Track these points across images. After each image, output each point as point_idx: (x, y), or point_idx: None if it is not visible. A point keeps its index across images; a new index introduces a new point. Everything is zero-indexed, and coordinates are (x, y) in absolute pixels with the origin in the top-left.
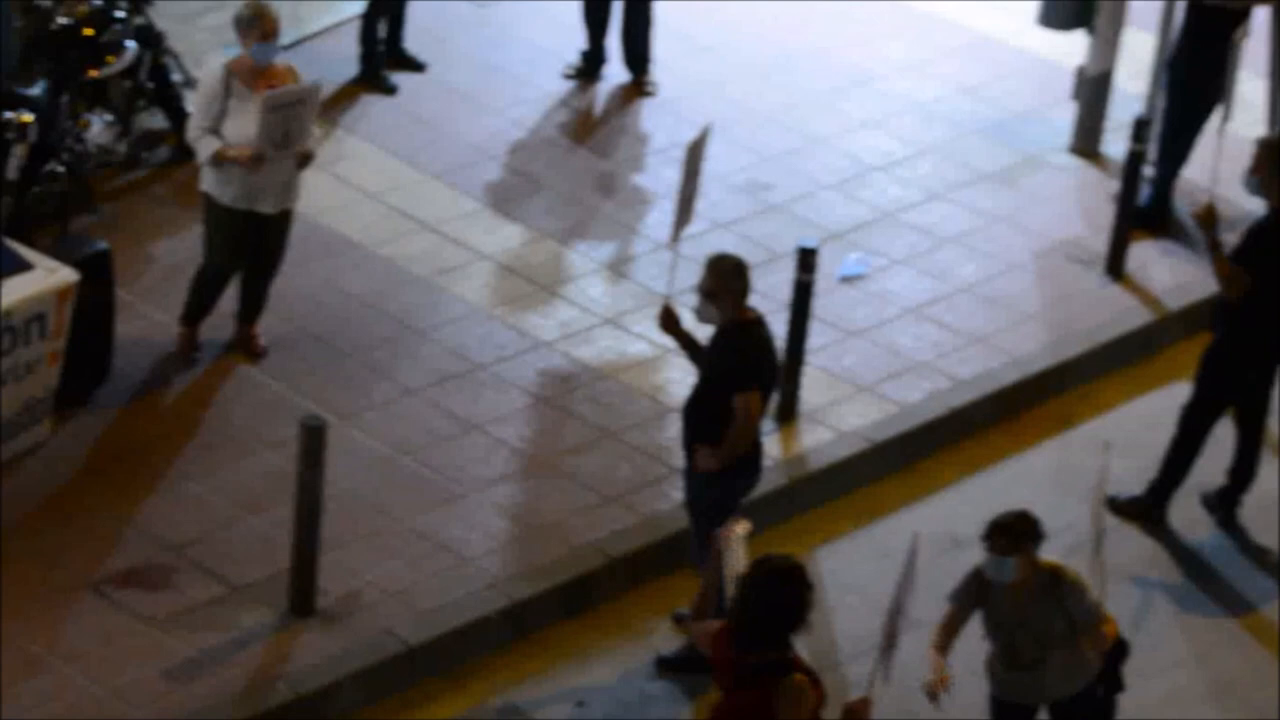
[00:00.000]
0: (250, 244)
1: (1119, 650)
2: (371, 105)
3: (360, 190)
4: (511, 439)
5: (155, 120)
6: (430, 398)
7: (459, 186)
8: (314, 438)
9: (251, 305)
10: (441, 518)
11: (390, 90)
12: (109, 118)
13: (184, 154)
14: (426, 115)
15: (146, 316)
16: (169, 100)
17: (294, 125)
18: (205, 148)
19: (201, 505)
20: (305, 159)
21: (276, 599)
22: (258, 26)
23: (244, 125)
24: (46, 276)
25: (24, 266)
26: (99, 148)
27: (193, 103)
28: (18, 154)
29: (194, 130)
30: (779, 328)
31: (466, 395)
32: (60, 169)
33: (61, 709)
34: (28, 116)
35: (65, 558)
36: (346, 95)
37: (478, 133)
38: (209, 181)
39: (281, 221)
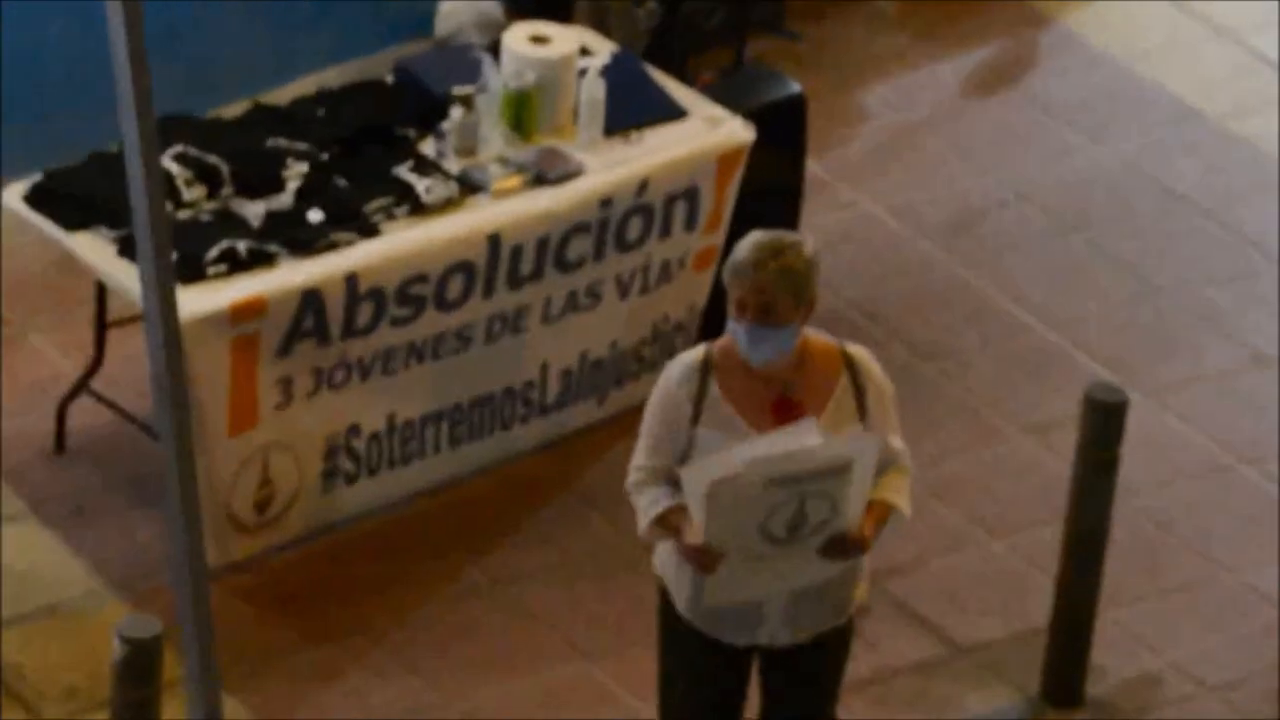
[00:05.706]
0: (738, 688)
1: None
2: None
3: None
4: None
5: None
6: None
7: None
8: None
9: None
10: None
11: None
12: None
13: None
14: None
15: (846, 204)
16: None
17: (814, 505)
18: (643, 508)
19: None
20: (843, 547)
21: (1024, 676)
22: (740, 287)
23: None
24: (705, 131)
25: (673, 113)
26: None
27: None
28: None
29: (633, 471)
30: None
31: None
32: None
33: None
34: None
35: None
36: None
37: None
38: (660, 559)
39: (805, 653)
